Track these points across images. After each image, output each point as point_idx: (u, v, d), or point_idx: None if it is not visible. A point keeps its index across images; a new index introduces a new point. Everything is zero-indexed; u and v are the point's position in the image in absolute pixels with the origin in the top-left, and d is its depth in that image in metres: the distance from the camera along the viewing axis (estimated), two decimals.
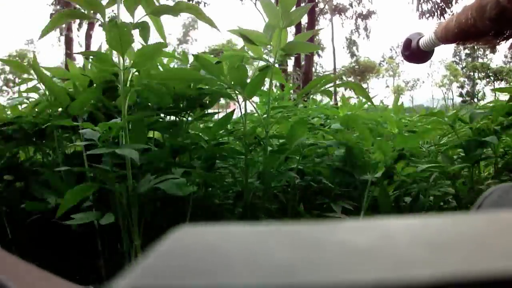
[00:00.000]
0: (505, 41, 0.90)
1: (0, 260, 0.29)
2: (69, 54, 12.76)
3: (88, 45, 13.48)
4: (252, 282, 0.12)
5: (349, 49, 27.39)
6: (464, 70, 30.73)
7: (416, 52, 1.05)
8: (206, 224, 0.17)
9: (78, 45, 19.48)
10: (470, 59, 30.83)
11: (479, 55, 30.25)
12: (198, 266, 0.13)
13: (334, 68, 23.73)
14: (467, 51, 30.62)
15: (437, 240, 0.15)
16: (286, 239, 0.15)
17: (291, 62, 12.80)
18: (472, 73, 29.44)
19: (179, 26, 34.39)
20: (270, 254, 0.14)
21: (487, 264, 0.12)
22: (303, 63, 13.34)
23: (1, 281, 0.24)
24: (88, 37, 13.44)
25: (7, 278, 0.24)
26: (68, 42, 12.72)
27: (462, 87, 30.65)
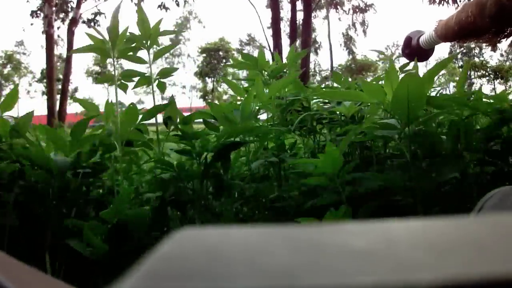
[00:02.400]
0: (505, 39, 0.91)
1: (1, 262, 0.29)
2: (49, 52, 12.46)
3: (70, 42, 13.08)
4: (253, 285, 0.12)
5: (346, 45, 27.40)
6: (461, 69, 30.96)
7: (416, 50, 1.06)
8: (207, 226, 0.17)
9: (61, 42, 19.17)
10: (466, 57, 31.04)
11: (475, 53, 30.48)
12: (199, 269, 0.13)
13: (331, 66, 23.69)
14: (463, 49, 30.83)
15: (438, 243, 0.15)
16: (287, 241, 0.16)
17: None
18: (469, 71, 29.66)
19: (172, 26, 34.28)
20: (271, 257, 0.14)
21: (488, 267, 0.13)
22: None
23: (0, 283, 0.24)
24: (71, 33, 13.08)
25: (6, 279, 0.24)
26: (49, 39, 12.39)
27: None
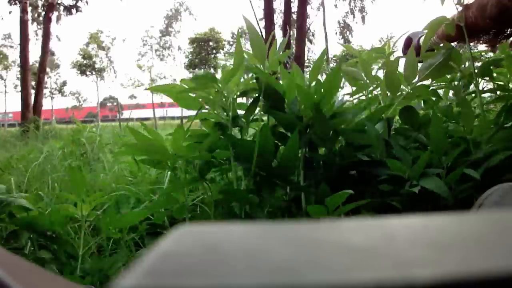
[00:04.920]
0: (505, 39, 0.94)
1: (2, 259, 0.30)
2: (23, 39, 12.08)
3: (47, 29, 12.56)
4: (253, 282, 0.12)
5: (342, 34, 27.00)
6: None
7: (417, 51, 1.09)
8: (206, 223, 0.18)
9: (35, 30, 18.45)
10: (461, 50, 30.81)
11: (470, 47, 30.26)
12: (199, 266, 0.14)
13: (327, 56, 23.32)
14: (456, 42, 30.62)
15: (437, 240, 0.15)
16: (286, 238, 0.16)
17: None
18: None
19: (161, 18, 33.75)
20: (271, 253, 0.14)
21: (488, 263, 0.13)
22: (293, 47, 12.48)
23: (2, 281, 0.25)
24: (48, 20, 12.48)
25: (7, 276, 0.25)
26: (23, 26, 11.84)
27: (452, 80, 30.51)
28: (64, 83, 32.12)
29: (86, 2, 13.72)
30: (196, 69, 29.07)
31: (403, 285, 0.12)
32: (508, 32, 0.91)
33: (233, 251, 0.15)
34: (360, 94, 1.34)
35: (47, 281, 0.31)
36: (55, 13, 13.89)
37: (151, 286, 0.13)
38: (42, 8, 13.63)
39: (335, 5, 25.21)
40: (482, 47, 1.05)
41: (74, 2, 13.66)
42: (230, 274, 0.13)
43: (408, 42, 1.10)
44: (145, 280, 0.13)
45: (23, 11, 11.71)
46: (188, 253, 0.15)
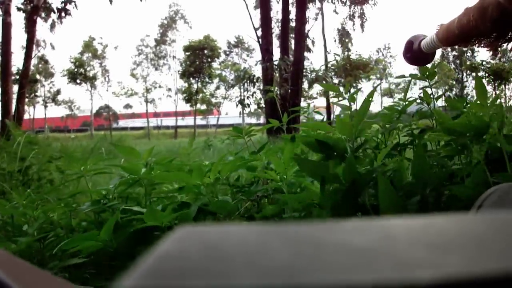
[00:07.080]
0: (506, 43, 0.95)
1: (3, 260, 0.30)
2: (6, 42, 11.94)
3: (31, 32, 12.22)
4: (253, 283, 0.13)
5: (341, 42, 26.98)
6: (456, 70, 31.00)
7: (417, 54, 1.09)
8: (206, 224, 0.18)
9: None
10: (458, 61, 31.14)
11: (468, 57, 30.67)
12: (199, 267, 0.14)
13: (326, 64, 23.16)
14: (455, 52, 31.01)
15: (437, 241, 0.16)
16: (286, 239, 0.16)
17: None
18: (470, 73, 29.80)
19: (156, 26, 33.86)
20: (270, 254, 0.15)
21: (487, 264, 0.13)
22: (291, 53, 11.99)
23: (2, 281, 0.25)
24: (32, 23, 12.08)
25: (7, 276, 0.26)
26: (6, 28, 11.60)
27: (451, 89, 30.67)
28: (58, 92, 32.06)
29: (75, 5, 13.60)
30: (191, 78, 29.07)
31: (403, 286, 0.12)
32: (509, 36, 0.91)
33: (233, 252, 0.15)
34: None
35: (46, 282, 0.31)
36: (49, 20, 13.87)
37: (151, 287, 0.13)
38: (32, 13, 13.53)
39: (335, 11, 25.00)
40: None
41: (62, 5, 13.56)
42: (229, 275, 0.13)
43: (409, 45, 1.11)
44: (145, 281, 0.13)
45: (6, 13, 11.53)
46: (188, 254, 0.15)
